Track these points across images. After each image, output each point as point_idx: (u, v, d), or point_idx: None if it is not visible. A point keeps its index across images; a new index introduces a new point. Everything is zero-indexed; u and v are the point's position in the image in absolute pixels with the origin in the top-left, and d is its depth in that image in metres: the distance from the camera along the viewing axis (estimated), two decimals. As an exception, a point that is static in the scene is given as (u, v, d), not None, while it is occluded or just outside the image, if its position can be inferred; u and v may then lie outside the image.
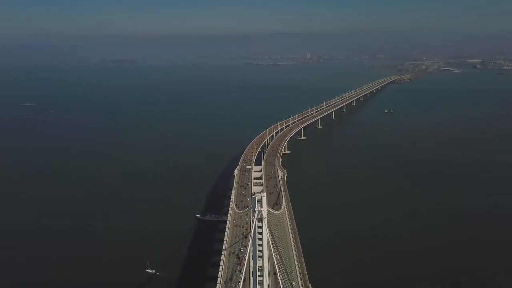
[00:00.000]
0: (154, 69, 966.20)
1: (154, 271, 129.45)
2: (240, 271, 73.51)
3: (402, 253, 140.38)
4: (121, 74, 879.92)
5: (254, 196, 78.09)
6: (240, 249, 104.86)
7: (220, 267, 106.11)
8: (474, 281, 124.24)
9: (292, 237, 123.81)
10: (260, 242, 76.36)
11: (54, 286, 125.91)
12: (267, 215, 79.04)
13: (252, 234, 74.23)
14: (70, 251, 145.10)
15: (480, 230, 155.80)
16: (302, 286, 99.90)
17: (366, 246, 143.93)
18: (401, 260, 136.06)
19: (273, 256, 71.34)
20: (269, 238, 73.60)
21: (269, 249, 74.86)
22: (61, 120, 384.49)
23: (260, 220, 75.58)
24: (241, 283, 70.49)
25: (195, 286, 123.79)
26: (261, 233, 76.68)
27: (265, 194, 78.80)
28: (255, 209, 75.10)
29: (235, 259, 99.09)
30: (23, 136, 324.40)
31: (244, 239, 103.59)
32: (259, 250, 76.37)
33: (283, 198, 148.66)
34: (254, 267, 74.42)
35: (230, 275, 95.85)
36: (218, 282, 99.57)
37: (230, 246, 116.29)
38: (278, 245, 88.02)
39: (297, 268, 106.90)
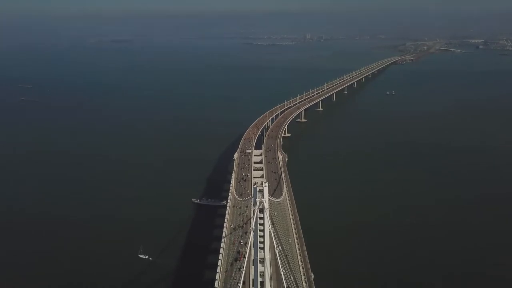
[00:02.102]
0: (151, 50, 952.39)
1: (147, 257, 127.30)
2: (240, 269, 70.07)
3: (404, 239, 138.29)
4: (117, 54, 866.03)
5: (255, 186, 74.50)
6: (240, 242, 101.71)
7: (220, 255, 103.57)
8: (476, 268, 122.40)
9: (294, 224, 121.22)
10: (262, 234, 73.24)
11: (45, 272, 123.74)
12: (268, 204, 75.65)
13: (253, 226, 70.88)
14: (61, 236, 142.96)
15: (484, 216, 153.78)
16: (304, 275, 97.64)
17: (368, 232, 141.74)
18: (403, 246, 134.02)
19: (275, 250, 68.21)
20: (271, 230, 70.33)
21: (271, 241, 71.76)
22: (57, 102, 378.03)
23: (261, 211, 72.23)
24: (240, 283, 67.11)
25: (190, 272, 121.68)
26: (262, 224, 73.49)
27: (266, 184, 75.13)
28: (257, 199, 71.60)
29: (235, 253, 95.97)
30: (19, 120, 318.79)
31: (244, 235, 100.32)
32: (260, 242, 73.26)
33: (284, 184, 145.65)
34: (256, 261, 71.39)
35: (229, 267, 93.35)
36: (218, 271, 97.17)
37: (230, 233, 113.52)
38: (279, 235, 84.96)
39: (299, 257, 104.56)
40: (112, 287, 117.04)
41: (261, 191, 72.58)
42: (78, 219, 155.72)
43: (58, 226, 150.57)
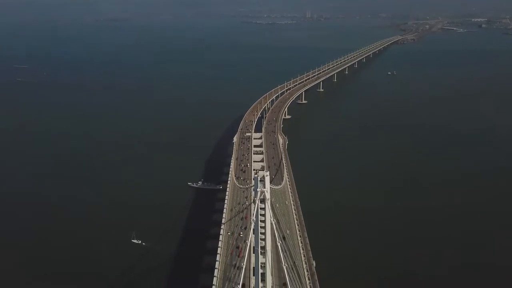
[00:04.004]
0: (149, 29, 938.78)
1: (140, 242, 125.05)
2: (239, 267, 67.14)
3: (407, 223, 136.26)
4: (115, 33, 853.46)
5: (256, 175, 71.42)
6: (239, 234, 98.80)
7: (219, 241, 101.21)
8: (475, 250, 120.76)
9: (295, 210, 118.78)
10: (263, 224, 70.54)
11: (36, 255, 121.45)
12: (269, 194, 72.56)
13: (254, 217, 68.05)
14: (53, 219, 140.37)
15: (485, 199, 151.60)
16: (305, 263, 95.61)
17: (370, 216, 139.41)
18: (406, 230, 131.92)
19: (277, 242, 65.56)
20: (273, 222, 67.54)
21: (272, 233, 69.09)
22: (54, 82, 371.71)
23: (262, 201, 69.32)
24: (240, 284, 64.47)
25: (185, 258, 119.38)
26: (263, 215, 70.64)
27: (268, 173, 71.98)
28: (257, 189, 68.55)
29: (234, 249, 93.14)
30: (16, 101, 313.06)
31: (244, 230, 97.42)
32: (261, 233, 70.63)
33: (285, 168, 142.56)
34: (256, 252, 68.97)
35: (228, 259, 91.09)
36: (217, 259, 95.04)
37: (230, 219, 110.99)
38: (280, 225, 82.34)
39: (300, 244, 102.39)
40: (104, 272, 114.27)
41: (262, 180, 69.44)
42: (70, 202, 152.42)
43: (48, 208, 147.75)
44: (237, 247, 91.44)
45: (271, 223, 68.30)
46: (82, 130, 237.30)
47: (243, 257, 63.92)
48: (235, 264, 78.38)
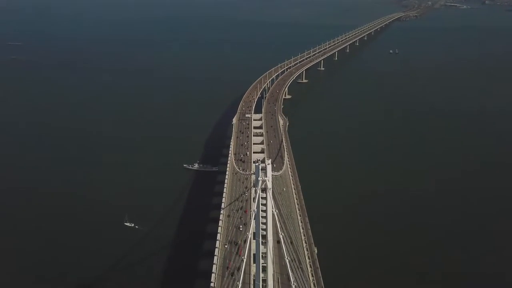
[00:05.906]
0: (144, 4, 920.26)
1: (133, 225, 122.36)
2: (239, 268, 63.60)
3: (410, 208, 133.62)
4: (110, 9, 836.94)
5: (257, 163, 67.74)
6: (239, 227, 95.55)
7: (219, 227, 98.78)
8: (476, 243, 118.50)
9: (295, 195, 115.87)
10: (264, 214, 67.39)
11: (29, 238, 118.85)
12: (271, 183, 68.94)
13: (255, 209, 64.83)
14: (45, 201, 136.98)
15: (485, 187, 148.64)
16: (307, 250, 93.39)
17: (372, 199, 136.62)
18: (408, 216, 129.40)
19: (280, 234, 62.60)
20: (275, 213, 64.32)
21: (274, 225, 65.93)
22: (50, 60, 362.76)
23: (263, 190, 65.94)
24: (242, 273, 61.60)
25: (178, 241, 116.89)
26: (264, 204, 67.34)
27: (269, 161, 68.39)
28: (259, 178, 65.06)
29: (233, 245, 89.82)
30: (11, 80, 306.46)
31: (244, 225, 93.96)
32: (262, 223, 67.57)
33: (285, 151, 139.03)
34: (257, 242, 66.15)
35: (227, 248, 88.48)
36: (216, 246, 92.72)
37: (229, 204, 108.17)
38: (281, 212, 79.29)
39: (302, 230, 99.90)
40: (97, 254, 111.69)
41: (264, 168, 65.90)
42: (62, 183, 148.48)
43: (41, 190, 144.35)
44: (236, 244, 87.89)
45: (273, 214, 65.16)
46: (77, 110, 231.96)
47: (243, 258, 60.66)
48: (235, 264, 75.18)
